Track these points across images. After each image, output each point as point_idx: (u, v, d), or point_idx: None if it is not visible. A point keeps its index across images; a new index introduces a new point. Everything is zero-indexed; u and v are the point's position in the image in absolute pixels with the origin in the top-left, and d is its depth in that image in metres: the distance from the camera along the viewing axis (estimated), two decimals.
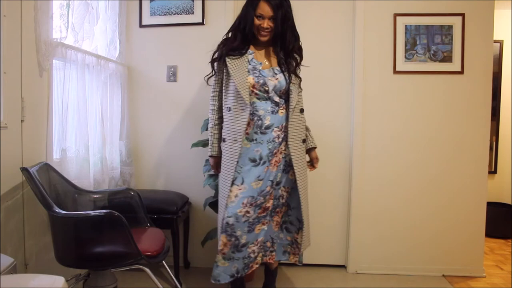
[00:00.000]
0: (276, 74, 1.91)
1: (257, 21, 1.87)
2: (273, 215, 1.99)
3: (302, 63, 2.00)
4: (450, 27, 2.56)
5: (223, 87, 1.93)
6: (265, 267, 2.15)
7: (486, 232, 2.63)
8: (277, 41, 1.93)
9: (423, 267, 2.63)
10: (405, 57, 2.59)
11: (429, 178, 2.62)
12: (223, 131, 1.93)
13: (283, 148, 1.92)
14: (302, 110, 1.97)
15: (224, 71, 1.92)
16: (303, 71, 2.02)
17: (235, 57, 1.88)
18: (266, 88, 1.87)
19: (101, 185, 2.23)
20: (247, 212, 1.85)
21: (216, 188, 2.30)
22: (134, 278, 2.37)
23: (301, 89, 2.01)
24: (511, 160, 3.69)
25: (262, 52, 1.97)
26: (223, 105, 1.93)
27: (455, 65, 2.57)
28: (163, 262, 1.92)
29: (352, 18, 2.63)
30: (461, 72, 2.57)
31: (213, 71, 1.98)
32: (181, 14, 2.66)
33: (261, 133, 1.87)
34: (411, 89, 2.61)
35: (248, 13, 1.87)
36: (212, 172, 2.16)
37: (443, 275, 2.62)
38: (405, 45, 2.58)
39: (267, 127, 1.87)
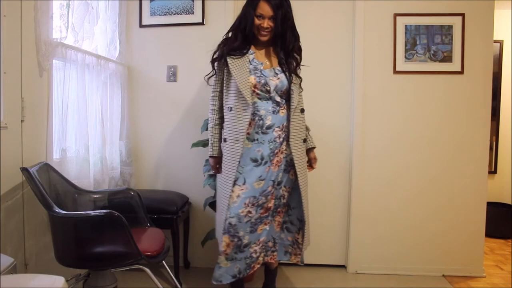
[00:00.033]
0: (277, 74, 1.91)
1: (257, 21, 1.87)
2: (275, 215, 1.99)
3: (302, 63, 2.00)
4: (450, 27, 2.56)
5: (224, 87, 1.92)
6: (265, 267, 2.15)
7: (486, 232, 2.63)
8: (277, 41, 1.93)
9: (423, 267, 2.63)
10: (405, 57, 2.59)
11: (429, 178, 2.62)
12: (224, 131, 1.93)
13: (284, 148, 1.92)
14: (302, 110, 1.97)
15: (225, 70, 1.91)
16: (303, 71, 2.02)
17: (236, 57, 1.88)
18: (268, 88, 1.87)
19: (101, 185, 2.23)
20: (249, 212, 1.85)
21: (216, 188, 2.30)
22: (134, 278, 2.37)
23: (302, 89, 2.01)
24: (511, 160, 3.69)
25: (263, 52, 1.97)
26: (224, 105, 1.93)
27: (455, 65, 2.57)
28: (163, 262, 1.92)
29: (352, 18, 2.63)
30: (461, 72, 2.57)
31: (214, 71, 1.98)
32: (181, 14, 2.66)
33: (262, 133, 1.87)
34: (411, 89, 2.61)
35: (248, 13, 1.87)
36: (212, 172, 2.16)
37: (443, 275, 2.62)
38: (405, 45, 2.58)
39: (268, 127, 1.87)
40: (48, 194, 1.57)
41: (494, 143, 3.69)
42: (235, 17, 1.98)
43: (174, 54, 2.70)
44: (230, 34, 1.96)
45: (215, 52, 1.95)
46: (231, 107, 1.87)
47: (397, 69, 2.59)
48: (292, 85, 1.91)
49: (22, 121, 1.72)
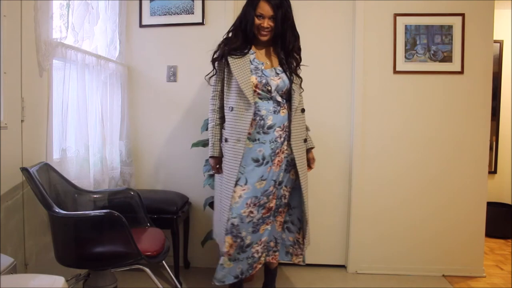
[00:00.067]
0: (278, 74, 1.91)
1: (257, 21, 1.87)
2: (276, 215, 1.99)
3: (302, 62, 2.01)
4: (450, 27, 2.56)
5: (225, 87, 1.92)
6: (265, 267, 2.15)
7: (486, 232, 2.63)
8: (277, 41, 1.93)
9: (423, 267, 2.63)
10: (405, 57, 2.59)
11: (429, 178, 2.62)
12: (224, 131, 1.93)
13: (285, 147, 1.92)
14: (303, 110, 1.97)
15: (225, 70, 1.91)
16: (303, 71, 2.03)
17: (237, 56, 1.88)
18: (269, 88, 1.87)
19: (101, 185, 2.23)
20: (251, 212, 1.85)
21: (214, 189, 2.29)
22: (134, 278, 2.37)
23: (302, 89, 2.02)
24: (511, 160, 3.69)
25: (263, 52, 1.97)
26: (225, 105, 1.92)
27: (455, 65, 2.57)
28: (163, 262, 1.92)
29: (352, 18, 2.63)
30: (461, 72, 2.57)
31: (215, 70, 1.97)
32: (181, 14, 2.66)
33: (264, 133, 1.87)
34: (411, 89, 2.61)
35: (248, 12, 1.87)
36: (212, 172, 2.16)
37: (443, 275, 2.62)
38: (405, 45, 2.58)
39: (270, 127, 1.87)
40: (48, 194, 1.57)
41: (494, 143, 3.69)
42: (235, 17, 1.98)
43: (174, 54, 2.70)
44: (230, 34, 1.96)
45: (215, 52, 1.95)
46: (232, 107, 1.87)
47: (397, 69, 2.59)
48: (293, 85, 1.91)
49: (22, 121, 1.72)
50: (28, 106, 1.74)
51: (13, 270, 1.40)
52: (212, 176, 2.34)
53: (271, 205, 1.92)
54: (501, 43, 3.64)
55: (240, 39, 1.90)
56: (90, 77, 2.17)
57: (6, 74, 1.60)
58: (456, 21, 2.55)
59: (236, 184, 1.84)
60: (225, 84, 1.92)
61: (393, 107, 2.62)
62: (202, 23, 2.65)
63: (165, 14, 2.67)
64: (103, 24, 2.43)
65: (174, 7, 2.66)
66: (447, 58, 2.57)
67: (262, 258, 1.98)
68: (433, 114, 2.61)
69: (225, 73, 1.92)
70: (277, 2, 1.84)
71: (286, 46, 1.92)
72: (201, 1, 2.63)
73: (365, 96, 2.62)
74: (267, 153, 1.87)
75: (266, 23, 1.86)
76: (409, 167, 2.63)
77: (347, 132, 2.69)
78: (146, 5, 2.67)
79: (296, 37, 1.94)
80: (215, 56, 1.94)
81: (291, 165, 1.95)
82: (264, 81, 1.87)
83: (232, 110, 1.87)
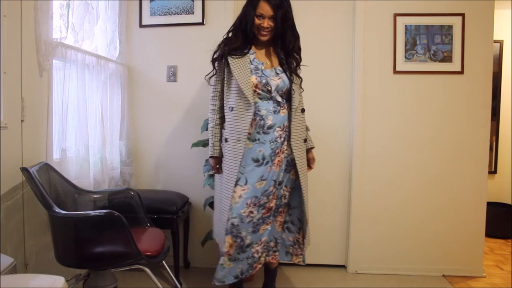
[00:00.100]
0: (279, 74, 1.91)
1: (257, 21, 1.87)
2: (276, 215, 1.99)
3: (302, 62, 2.01)
4: (450, 27, 2.56)
5: (225, 87, 1.92)
6: (264, 267, 2.15)
7: (486, 232, 2.63)
8: (277, 41, 1.93)
9: (423, 267, 2.63)
10: (405, 57, 2.59)
11: (429, 178, 2.62)
12: (225, 131, 1.93)
13: (285, 147, 1.92)
14: (303, 110, 1.97)
15: (225, 70, 1.91)
16: (303, 71, 2.03)
17: (237, 56, 1.88)
18: (269, 88, 1.88)
19: (101, 185, 2.23)
20: (251, 212, 1.85)
21: (214, 189, 2.30)
22: (134, 278, 2.37)
23: (302, 89, 2.02)
24: (511, 160, 3.69)
25: (263, 52, 1.97)
26: (225, 105, 1.92)
27: (455, 65, 2.57)
28: (163, 262, 1.92)
29: (352, 18, 2.63)
30: (461, 72, 2.57)
31: (215, 70, 1.97)
32: (181, 14, 2.66)
33: (264, 133, 1.87)
34: (411, 89, 2.61)
35: (248, 12, 1.87)
36: (212, 172, 2.16)
37: (443, 275, 2.62)
38: (405, 45, 2.58)
39: (270, 127, 1.87)
40: (48, 194, 1.57)
41: (494, 143, 3.69)
42: (235, 17, 1.98)
43: (174, 54, 2.70)
44: (230, 34, 1.96)
45: (215, 52, 1.95)
46: (232, 107, 1.87)
47: (397, 69, 2.59)
48: (293, 85, 1.91)
49: (22, 121, 1.72)
50: (28, 106, 1.74)
51: (13, 270, 1.40)
52: (212, 176, 2.34)
53: (271, 205, 1.92)
54: (501, 43, 3.64)
55: (240, 39, 1.90)
56: (90, 77, 2.17)
57: (6, 74, 1.60)
58: (456, 21, 2.55)
59: (236, 184, 1.84)
60: (225, 84, 1.92)
61: (393, 107, 2.62)
62: (202, 23, 2.65)
63: (165, 14, 2.67)
64: (103, 24, 2.43)
65: (174, 7, 2.66)
66: (447, 58, 2.57)
67: (262, 258, 1.98)
68: (433, 114, 2.61)
69: (225, 73, 1.92)
70: (277, 2, 1.84)
71: (286, 46, 1.92)
72: (201, 1, 2.63)
73: (365, 96, 2.62)
74: (267, 153, 1.87)
75: (266, 23, 1.86)
76: (409, 167, 2.63)
77: (347, 132, 2.69)
78: (146, 5, 2.67)
79: (296, 37, 1.94)
80: (215, 56, 1.94)
81: (291, 165, 1.95)
82: (264, 81, 1.87)
83: (232, 110, 1.87)
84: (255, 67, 1.89)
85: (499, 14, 2.99)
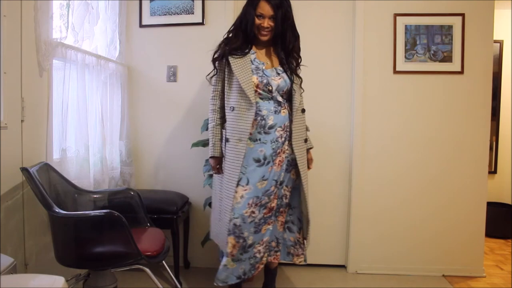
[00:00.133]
0: (279, 74, 1.91)
1: (257, 21, 1.87)
2: (277, 215, 1.99)
3: (302, 62, 2.01)
4: (450, 27, 2.56)
5: (226, 87, 1.92)
6: (265, 266, 2.15)
7: (486, 232, 2.63)
8: (277, 41, 1.93)
9: (423, 267, 2.63)
10: (405, 57, 2.59)
11: (429, 178, 2.62)
12: (226, 131, 1.92)
13: (286, 147, 1.92)
14: (303, 110, 1.97)
15: (226, 70, 1.91)
16: (303, 71, 2.03)
17: (238, 56, 1.88)
18: (270, 88, 1.88)
19: (101, 185, 2.23)
20: (253, 212, 1.85)
21: (212, 189, 2.29)
22: (134, 278, 2.37)
23: (303, 90, 2.02)
24: (511, 160, 3.69)
25: (263, 52, 1.97)
26: (226, 104, 1.92)
27: (455, 65, 2.57)
28: (163, 262, 1.92)
29: (352, 18, 2.63)
30: (461, 72, 2.57)
31: (215, 70, 1.97)
32: (181, 14, 2.66)
33: (265, 133, 1.87)
34: (411, 89, 2.61)
35: (249, 12, 1.88)
36: (212, 172, 2.16)
37: (443, 275, 2.62)
38: (405, 45, 2.58)
39: (271, 127, 1.87)
40: (48, 194, 1.57)
41: (494, 143, 3.69)
42: (235, 17, 1.98)
43: (174, 54, 2.70)
44: (230, 34, 1.96)
45: (216, 52, 1.95)
46: (233, 107, 1.86)
47: (397, 69, 2.59)
48: (294, 85, 1.91)
49: (22, 121, 1.72)
50: (28, 106, 1.74)
51: (13, 270, 1.40)
52: (212, 176, 2.34)
53: (273, 205, 1.92)
54: (501, 43, 3.64)
55: (240, 39, 1.90)
56: (90, 77, 2.17)
57: (6, 74, 1.60)
58: (456, 21, 2.55)
59: (237, 184, 1.84)
60: (225, 84, 1.92)
61: (393, 107, 2.62)
62: (202, 23, 2.65)
63: (165, 14, 2.67)
64: (103, 24, 2.43)
65: (174, 7, 2.66)
66: (447, 58, 2.57)
67: (264, 258, 1.98)
68: (433, 114, 2.61)
69: (226, 73, 1.91)
70: (277, 2, 1.84)
71: (286, 46, 1.92)
72: (201, 1, 2.63)
73: (365, 96, 2.62)
74: (268, 153, 1.87)
75: (266, 23, 1.86)
76: (409, 167, 2.63)
77: (347, 132, 2.69)
78: (146, 5, 2.67)
79: (296, 37, 1.94)
80: (215, 56, 1.94)
81: (291, 165, 1.95)
82: (265, 81, 1.87)
83: (233, 110, 1.86)
84: (256, 67, 1.90)
85: (499, 14, 2.99)
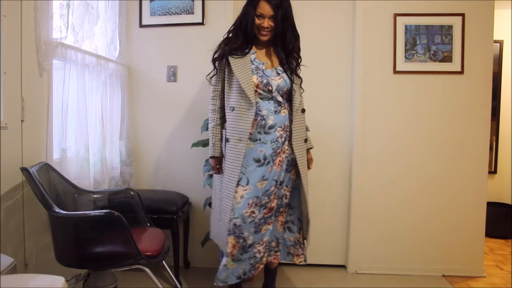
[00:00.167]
0: (279, 74, 1.91)
1: (257, 21, 1.87)
2: (277, 215, 1.99)
3: (302, 62, 2.01)
4: (450, 27, 2.56)
5: (226, 87, 1.92)
6: (265, 266, 2.15)
7: (486, 232, 2.63)
8: (277, 41, 1.93)
9: (423, 267, 2.63)
10: (405, 57, 2.59)
11: (429, 178, 2.62)
12: (226, 131, 1.92)
13: (286, 147, 1.92)
14: (303, 110, 1.97)
15: (226, 70, 1.91)
16: (303, 71, 2.03)
17: (238, 56, 1.88)
18: (270, 88, 1.88)
19: (101, 185, 2.23)
20: (253, 212, 1.85)
21: (212, 189, 2.29)
22: (134, 278, 2.37)
23: (303, 90, 2.02)
24: (511, 160, 3.69)
25: (263, 52, 1.97)
26: (226, 104, 1.92)
27: (455, 65, 2.57)
28: (163, 262, 1.92)
29: (352, 18, 2.63)
30: (461, 72, 2.57)
31: (215, 70, 1.97)
32: (181, 14, 2.66)
33: (265, 133, 1.87)
34: (411, 89, 2.61)
35: (249, 12, 1.88)
36: (212, 172, 2.16)
37: (443, 275, 2.62)
38: (405, 45, 2.58)
39: (271, 127, 1.87)
40: (48, 194, 1.57)
41: (494, 143, 3.69)
42: (235, 17, 1.98)
43: (174, 54, 2.70)
44: (230, 34, 1.96)
45: (216, 52, 1.95)
46: (233, 107, 1.86)
47: (397, 69, 2.59)
48: (294, 85, 1.91)
49: (22, 121, 1.72)
50: (28, 106, 1.74)
51: (13, 270, 1.40)
52: (212, 176, 2.34)
53: (273, 205, 1.92)
54: (501, 43, 3.64)
55: (240, 39, 1.90)
56: (90, 77, 2.17)
57: (6, 74, 1.60)
58: (456, 21, 2.55)
59: (237, 184, 1.84)
60: (225, 84, 1.92)
61: (393, 107, 2.62)
62: (202, 23, 2.65)
63: (165, 14, 2.67)
64: (103, 24, 2.43)
65: (174, 7, 2.66)
66: (447, 58, 2.57)
67: (264, 258, 1.98)
68: (433, 114, 2.61)
69: (226, 73, 1.91)
70: (277, 2, 1.84)
71: (286, 46, 1.92)
72: (201, 1, 2.63)
73: (365, 96, 2.62)
74: (268, 153, 1.87)
75: (266, 23, 1.86)
76: (409, 167, 2.63)
77: (347, 132, 2.69)
78: (146, 5, 2.67)
79: (296, 37, 1.94)
80: (215, 55, 1.94)
81: (291, 165, 1.95)
82: (265, 81, 1.87)
83: (233, 110, 1.86)
84: (256, 67, 1.90)
85: (499, 14, 2.99)
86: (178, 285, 2.19)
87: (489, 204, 2.77)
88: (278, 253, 2.05)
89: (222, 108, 1.96)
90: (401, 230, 2.65)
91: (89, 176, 2.11)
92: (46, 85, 1.87)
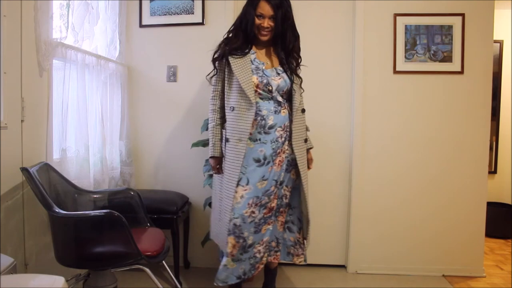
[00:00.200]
0: (279, 74, 1.92)
1: (257, 21, 1.87)
2: (278, 215, 1.99)
3: (302, 62, 2.01)
4: (450, 27, 2.56)
5: (226, 87, 1.92)
6: (265, 266, 2.15)
7: (486, 232, 2.63)
8: (277, 41, 1.93)
9: (423, 267, 2.63)
10: (405, 57, 2.59)
11: (429, 178, 2.62)
12: (226, 131, 1.92)
13: (286, 147, 1.92)
14: (303, 110, 1.97)
15: (226, 70, 1.91)
16: (303, 71, 2.03)
17: (238, 56, 1.88)
18: (270, 88, 1.88)
19: (101, 185, 2.23)
20: (253, 212, 1.85)
21: (212, 189, 2.29)
22: (134, 278, 2.37)
23: (303, 90, 2.02)
24: (511, 160, 3.69)
25: (263, 52, 1.97)
26: (226, 104, 1.92)
27: (455, 65, 2.57)
28: (163, 262, 1.92)
29: (352, 18, 2.63)
30: (461, 72, 2.57)
31: (215, 70, 1.97)
32: (181, 14, 2.66)
33: (265, 133, 1.87)
34: (411, 89, 2.61)
35: (249, 12, 1.88)
36: (212, 172, 2.16)
37: (443, 275, 2.62)
38: (405, 45, 2.58)
39: (271, 127, 1.87)
40: (48, 194, 1.57)
41: (494, 143, 3.69)
42: (235, 17, 1.98)
43: (174, 54, 2.70)
44: (230, 34, 1.96)
45: (216, 52, 1.95)
46: (233, 107, 1.86)
47: (397, 69, 2.59)
48: (294, 85, 1.91)
49: (22, 121, 1.72)
50: (28, 106, 1.74)
51: (13, 270, 1.40)
52: (212, 176, 2.34)
53: (273, 205, 1.92)
54: (501, 43, 3.64)
55: (240, 39, 1.90)
56: (90, 77, 2.17)
57: (6, 74, 1.60)
58: (456, 21, 2.55)
59: (237, 184, 1.84)
60: (225, 84, 1.92)
61: (393, 107, 2.62)
62: (202, 23, 2.65)
63: (165, 14, 2.67)
64: (103, 24, 2.43)
65: (174, 7, 2.66)
66: (447, 58, 2.57)
67: (264, 258, 1.98)
68: (433, 114, 2.61)
69: (226, 73, 1.91)
70: (277, 2, 1.84)
71: (286, 46, 1.92)
72: (201, 1, 2.63)
73: (365, 96, 2.62)
74: (268, 153, 1.87)
75: (266, 23, 1.86)
76: (409, 167, 2.63)
77: (347, 132, 2.69)
78: (146, 5, 2.67)
79: (296, 37, 1.94)
80: (215, 55, 1.94)
81: (291, 165, 1.95)
82: (265, 81, 1.87)
83: (233, 110, 1.86)
84: (256, 67, 1.90)
85: (499, 14, 2.99)
86: (178, 285, 2.19)
87: (489, 204, 2.77)
88: (278, 253, 2.05)
89: (222, 108, 1.96)
90: (401, 230, 2.65)
91: (89, 176, 2.11)
92: (46, 85, 1.87)
